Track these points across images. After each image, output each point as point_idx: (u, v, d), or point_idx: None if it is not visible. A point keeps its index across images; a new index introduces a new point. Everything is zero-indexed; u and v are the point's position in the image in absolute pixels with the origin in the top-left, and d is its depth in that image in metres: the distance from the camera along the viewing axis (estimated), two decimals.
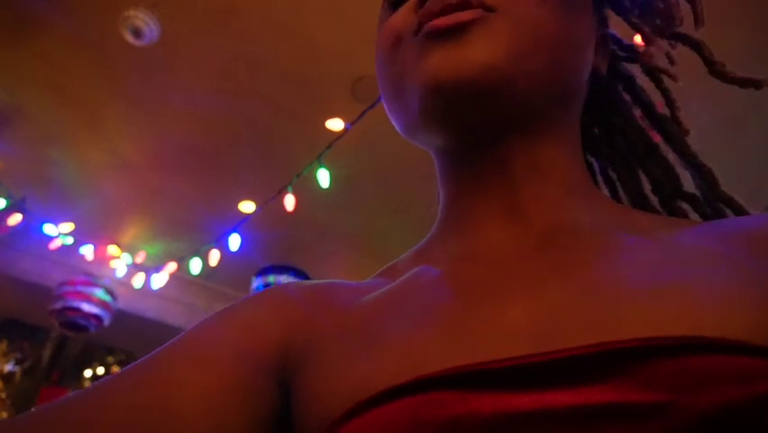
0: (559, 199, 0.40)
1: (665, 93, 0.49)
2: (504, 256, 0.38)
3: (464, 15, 0.37)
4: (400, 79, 0.41)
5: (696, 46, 0.47)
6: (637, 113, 0.49)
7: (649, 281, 0.30)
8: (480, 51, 0.36)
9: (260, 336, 0.38)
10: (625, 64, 0.51)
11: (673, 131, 0.47)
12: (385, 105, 0.45)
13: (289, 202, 2.43)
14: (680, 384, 0.24)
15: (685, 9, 0.46)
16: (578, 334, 0.28)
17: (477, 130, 0.40)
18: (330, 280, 0.45)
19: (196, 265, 2.99)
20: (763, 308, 0.27)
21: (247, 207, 2.71)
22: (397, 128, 0.45)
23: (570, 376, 0.27)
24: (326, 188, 2.35)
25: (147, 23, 2.02)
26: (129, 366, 0.37)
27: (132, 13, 2.00)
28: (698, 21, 0.46)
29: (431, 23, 0.38)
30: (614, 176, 0.51)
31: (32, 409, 0.34)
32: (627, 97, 0.50)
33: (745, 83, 0.44)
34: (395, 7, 0.44)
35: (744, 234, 0.34)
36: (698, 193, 0.47)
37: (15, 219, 2.79)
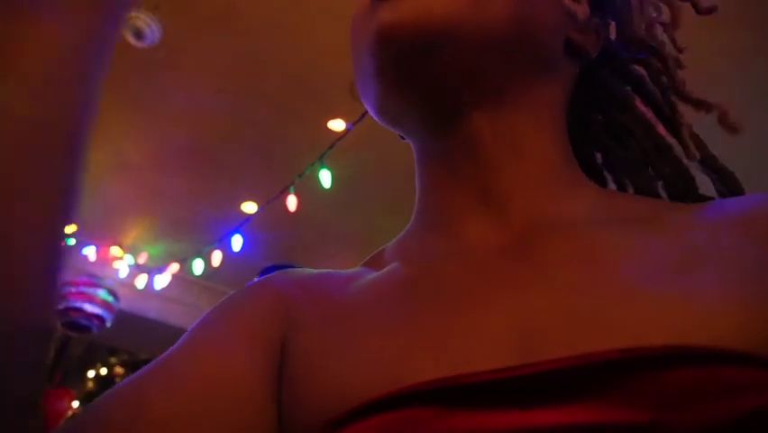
0: (538, 184, 0.39)
1: (665, 92, 0.47)
2: (484, 254, 0.37)
3: None
4: (357, 51, 0.41)
5: (662, 60, 0.45)
6: (648, 110, 0.47)
7: (633, 285, 0.29)
8: (421, 2, 0.36)
9: (266, 321, 0.38)
10: (635, 66, 0.48)
11: (686, 132, 0.45)
12: (359, 89, 0.44)
13: (291, 202, 2.43)
14: (663, 402, 0.24)
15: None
16: (560, 344, 0.28)
17: (434, 91, 0.39)
18: (318, 271, 0.44)
19: (198, 266, 2.99)
20: (751, 307, 0.27)
21: (249, 207, 2.71)
22: (370, 112, 0.44)
23: (551, 391, 0.26)
24: (328, 189, 2.35)
25: (148, 25, 2.03)
26: (143, 371, 0.35)
27: (133, 14, 2.00)
28: (674, 23, 0.45)
29: None
30: (627, 180, 0.49)
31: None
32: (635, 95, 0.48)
33: (699, 104, 0.43)
34: None
35: (742, 219, 0.33)
36: (718, 196, 0.44)
37: None
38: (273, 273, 0.44)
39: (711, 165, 0.44)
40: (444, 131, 0.40)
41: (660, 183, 0.46)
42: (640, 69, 0.48)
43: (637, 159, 0.47)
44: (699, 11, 0.44)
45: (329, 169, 2.33)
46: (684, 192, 0.44)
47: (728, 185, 0.43)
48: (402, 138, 0.47)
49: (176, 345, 0.37)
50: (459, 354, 0.30)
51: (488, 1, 0.37)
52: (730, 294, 0.28)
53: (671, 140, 0.46)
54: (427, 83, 0.39)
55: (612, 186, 0.50)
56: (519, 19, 0.38)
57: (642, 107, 0.48)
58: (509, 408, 0.26)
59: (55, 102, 0.25)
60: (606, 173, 0.51)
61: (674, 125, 0.45)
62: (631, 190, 0.48)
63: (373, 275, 0.40)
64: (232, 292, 0.43)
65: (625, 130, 0.48)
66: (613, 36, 0.48)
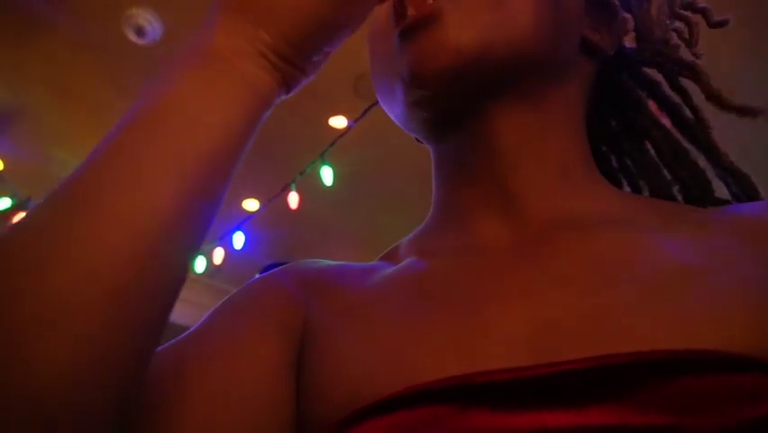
0: (555, 184, 0.39)
1: (684, 96, 0.47)
2: (502, 253, 0.37)
3: (428, 8, 0.37)
4: (383, 71, 0.42)
5: (696, 75, 0.45)
6: (663, 114, 0.47)
7: (649, 288, 0.29)
8: (452, 36, 0.36)
9: (291, 311, 0.38)
10: (648, 70, 0.48)
11: (704, 138, 0.45)
12: (379, 99, 0.45)
13: (293, 200, 2.43)
14: (680, 406, 0.24)
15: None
16: (576, 345, 0.28)
17: (460, 108, 0.40)
18: (335, 263, 0.45)
19: (200, 263, 2.99)
20: (766, 313, 0.27)
21: (251, 205, 2.71)
22: (393, 118, 0.45)
23: (568, 392, 0.26)
24: (330, 186, 2.35)
25: (150, 22, 2.03)
26: (178, 343, 0.36)
27: (134, 11, 2.00)
28: (693, 43, 0.45)
29: (403, 21, 0.39)
30: (642, 182, 0.49)
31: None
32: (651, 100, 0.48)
33: (741, 110, 0.42)
34: None
35: (757, 224, 0.33)
36: (733, 200, 0.44)
37: (20, 218, 2.79)
38: (293, 263, 0.44)
39: (728, 169, 0.44)
40: (465, 133, 0.41)
41: (676, 187, 0.46)
42: (656, 74, 0.48)
43: (653, 162, 0.47)
44: (710, 24, 0.45)
45: (331, 166, 2.33)
46: (701, 195, 0.44)
47: (744, 188, 0.43)
48: (418, 141, 0.48)
49: (204, 330, 0.37)
50: (474, 353, 0.30)
51: (511, 19, 0.37)
52: (746, 300, 0.28)
53: (685, 144, 0.46)
54: (456, 102, 0.39)
55: (626, 188, 0.50)
56: (542, 31, 0.39)
57: (656, 111, 0.47)
58: (525, 408, 0.26)
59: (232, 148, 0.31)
60: (621, 176, 0.50)
61: (698, 131, 0.45)
62: (646, 193, 0.48)
63: (389, 270, 0.40)
64: (231, 290, 0.43)
65: (641, 132, 0.48)
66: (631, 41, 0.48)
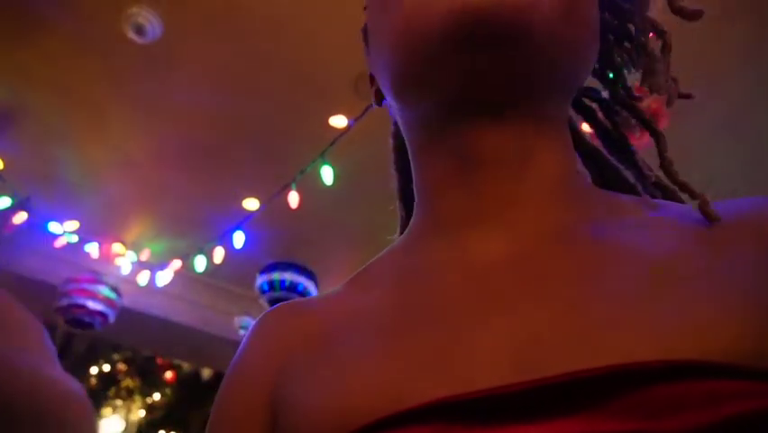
0: (550, 198, 0.39)
1: (616, 126, 0.49)
2: (486, 268, 0.37)
3: None
4: (415, 10, 0.35)
5: (655, 135, 0.45)
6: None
7: (630, 301, 0.30)
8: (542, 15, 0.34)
9: (261, 388, 0.40)
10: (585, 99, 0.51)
11: (633, 157, 0.48)
12: (376, 49, 0.41)
13: (293, 199, 2.43)
14: (650, 412, 0.25)
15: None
16: (556, 361, 0.28)
17: (486, 86, 0.36)
18: (308, 299, 0.46)
19: (200, 263, 2.99)
20: (743, 320, 0.27)
21: (251, 204, 2.71)
22: (386, 80, 0.40)
23: (548, 406, 0.27)
24: (330, 185, 2.35)
25: (149, 21, 2.03)
26: None
27: (134, 10, 2.00)
28: (665, 49, 0.44)
29: None
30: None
31: None
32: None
33: (684, 187, 0.42)
34: None
35: (739, 224, 0.34)
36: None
37: (21, 218, 2.80)
38: (270, 318, 0.45)
39: (657, 184, 0.46)
40: (469, 131, 0.38)
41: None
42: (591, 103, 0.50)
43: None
44: (687, 17, 0.44)
45: (331, 165, 2.33)
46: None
47: (673, 201, 0.44)
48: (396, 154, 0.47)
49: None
50: (458, 373, 0.30)
51: (573, 25, 0.36)
52: (723, 307, 0.28)
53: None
54: (485, 74, 0.35)
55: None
56: (586, 50, 0.39)
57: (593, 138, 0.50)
58: (508, 423, 0.27)
59: None
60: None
61: (626, 150, 0.48)
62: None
63: (368, 296, 0.41)
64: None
65: (580, 153, 0.50)
66: None
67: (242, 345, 0.45)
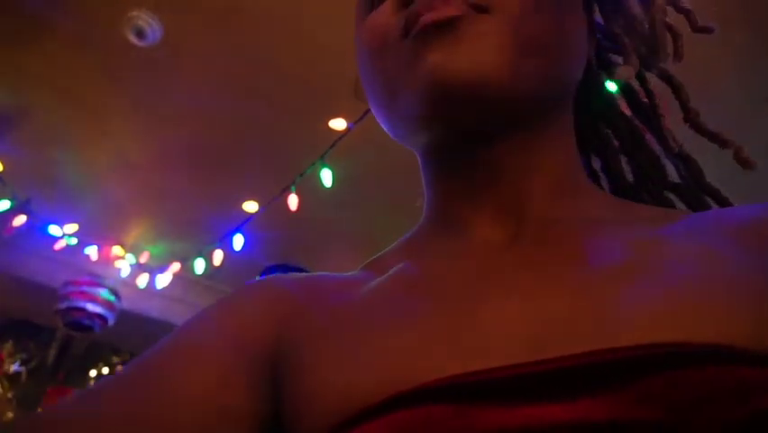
0: (553, 195, 0.40)
1: (644, 85, 0.49)
2: (496, 253, 0.37)
3: (451, 10, 0.36)
4: (392, 84, 0.40)
5: (676, 89, 0.46)
6: (622, 102, 0.50)
7: (647, 283, 0.29)
8: (476, 51, 0.36)
9: (256, 330, 0.38)
10: (610, 54, 0.50)
11: (659, 121, 0.47)
12: (373, 109, 0.45)
13: (293, 202, 2.43)
14: (679, 400, 0.24)
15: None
16: (573, 340, 0.27)
17: (474, 129, 0.39)
18: (317, 273, 0.45)
19: (199, 265, 2.99)
20: (764, 307, 0.26)
21: (250, 206, 2.71)
22: (386, 130, 0.44)
23: (566, 387, 0.26)
24: (329, 188, 2.35)
25: (150, 24, 2.03)
26: (129, 364, 0.37)
27: (135, 13, 2.01)
28: (677, 55, 0.45)
29: (421, 18, 0.37)
30: (597, 165, 0.51)
31: (34, 412, 0.36)
32: (612, 86, 0.50)
33: (714, 137, 0.44)
34: (371, 6, 0.43)
35: (739, 228, 0.33)
36: (682, 183, 0.47)
37: (20, 220, 2.80)
38: (272, 276, 0.44)
39: (677, 154, 0.46)
40: (468, 154, 0.41)
41: (632, 174, 0.49)
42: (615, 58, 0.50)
43: (615, 152, 0.50)
44: (694, 29, 0.45)
45: (330, 168, 2.33)
46: (656, 178, 0.47)
47: (691, 171, 0.46)
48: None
49: (159, 347, 0.38)
50: (472, 352, 0.29)
51: (534, 54, 0.37)
52: (745, 293, 0.27)
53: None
54: (468, 123, 0.39)
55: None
56: (562, 65, 0.40)
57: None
58: (523, 404, 0.26)
59: None
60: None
61: (652, 115, 0.48)
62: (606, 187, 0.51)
63: (381, 276, 0.40)
64: (230, 291, 0.43)
65: (604, 119, 0.50)
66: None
67: (236, 290, 0.43)
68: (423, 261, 0.40)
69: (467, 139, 0.40)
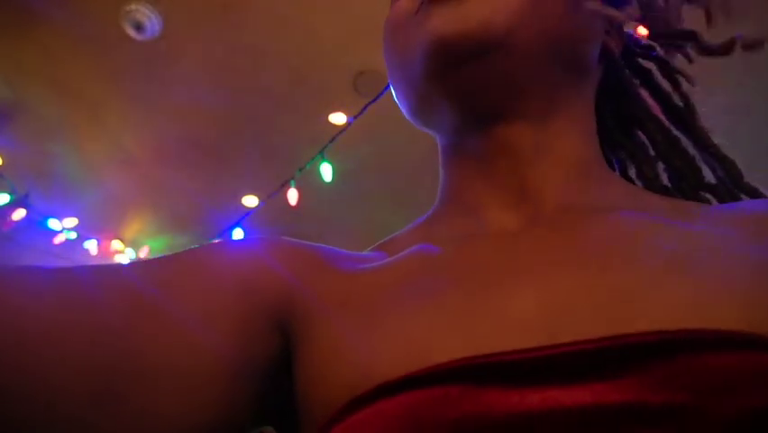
0: (570, 180, 0.40)
1: (677, 84, 0.48)
2: (512, 236, 0.37)
3: None
4: (402, 54, 0.42)
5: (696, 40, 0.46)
6: (654, 104, 0.48)
7: (665, 268, 0.29)
8: (479, 10, 0.37)
9: (269, 279, 0.37)
10: (640, 59, 0.50)
11: (694, 123, 0.46)
12: (393, 89, 0.45)
13: (292, 196, 2.42)
14: (701, 385, 0.23)
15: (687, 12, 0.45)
16: (591, 324, 0.27)
17: (480, 98, 0.40)
18: (330, 247, 0.43)
19: None
20: None
21: (250, 201, 2.71)
22: (403, 111, 0.45)
23: (583, 371, 0.25)
24: (329, 182, 2.35)
25: (148, 17, 2.02)
26: (142, 263, 0.38)
27: (133, 7, 2.00)
28: (709, 20, 0.45)
29: None
30: (631, 170, 0.50)
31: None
32: (643, 89, 0.49)
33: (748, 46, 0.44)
34: None
35: (759, 218, 0.33)
36: (719, 184, 0.46)
37: (19, 214, 2.79)
38: (285, 239, 0.43)
39: (714, 155, 0.45)
40: (481, 133, 0.41)
41: (666, 177, 0.47)
42: (647, 63, 0.50)
43: (647, 155, 0.48)
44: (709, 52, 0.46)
45: (330, 162, 2.32)
46: (694, 182, 0.46)
47: (729, 173, 0.45)
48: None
49: (168, 259, 0.38)
50: (487, 333, 0.29)
51: (543, 12, 0.38)
52: (765, 280, 0.27)
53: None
54: (476, 89, 0.39)
55: None
56: (571, 30, 0.40)
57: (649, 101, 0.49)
58: (540, 386, 0.26)
59: None
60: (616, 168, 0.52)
61: (687, 117, 0.47)
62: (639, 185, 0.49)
63: (395, 256, 0.40)
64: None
65: (636, 124, 0.49)
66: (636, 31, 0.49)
67: (247, 237, 0.42)
68: (440, 242, 0.39)
69: (479, 117, 0.41)
